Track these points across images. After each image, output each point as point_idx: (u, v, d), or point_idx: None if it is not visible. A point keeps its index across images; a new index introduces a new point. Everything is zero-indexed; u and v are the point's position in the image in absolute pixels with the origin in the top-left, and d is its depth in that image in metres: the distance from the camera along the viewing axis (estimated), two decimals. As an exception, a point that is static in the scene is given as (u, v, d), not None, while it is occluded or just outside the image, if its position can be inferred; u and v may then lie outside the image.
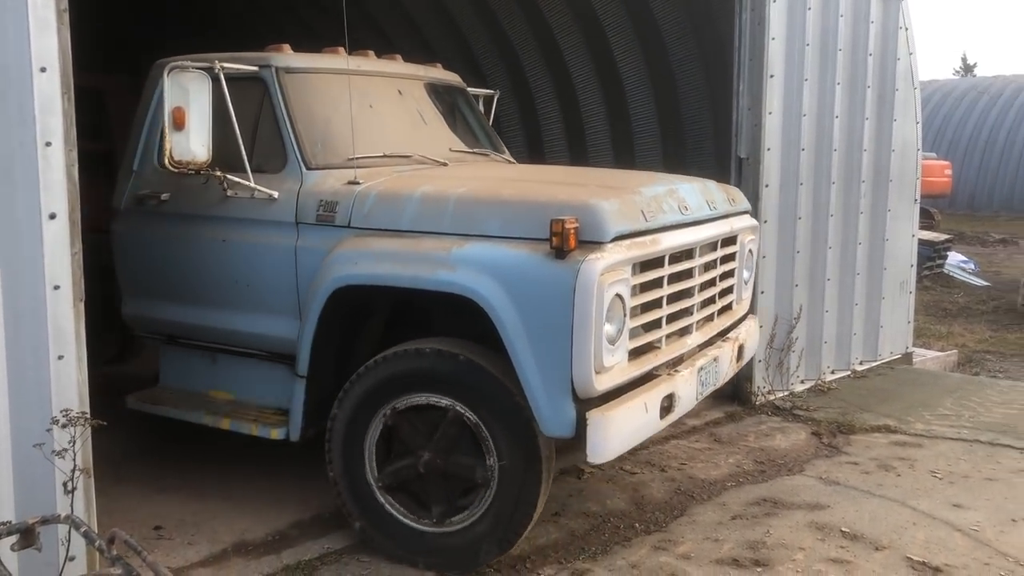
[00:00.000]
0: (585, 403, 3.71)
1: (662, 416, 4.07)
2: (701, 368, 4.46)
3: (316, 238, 4.39)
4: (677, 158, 8.72)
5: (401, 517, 4.15)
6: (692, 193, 4.64)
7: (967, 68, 48.18)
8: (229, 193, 4.57)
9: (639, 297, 3.97)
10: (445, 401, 3.99)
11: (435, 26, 10.19)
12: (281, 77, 4.71)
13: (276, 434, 4.53)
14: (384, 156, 4.77)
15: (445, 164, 5.02)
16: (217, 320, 4.80)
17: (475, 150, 5.52)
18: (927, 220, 16.97)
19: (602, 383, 3.75)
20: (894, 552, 4.35)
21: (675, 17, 8.44)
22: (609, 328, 3.74)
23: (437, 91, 5.62)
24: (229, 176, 4.49)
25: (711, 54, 8.17)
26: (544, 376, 3.71)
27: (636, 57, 8.96)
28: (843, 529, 4.59)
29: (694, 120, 8.73)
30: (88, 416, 3.48)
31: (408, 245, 4.09)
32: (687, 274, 4.40)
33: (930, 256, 14.70)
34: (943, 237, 15.92)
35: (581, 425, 3.69)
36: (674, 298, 4.30)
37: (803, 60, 6.94)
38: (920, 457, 5.72)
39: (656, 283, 4.11)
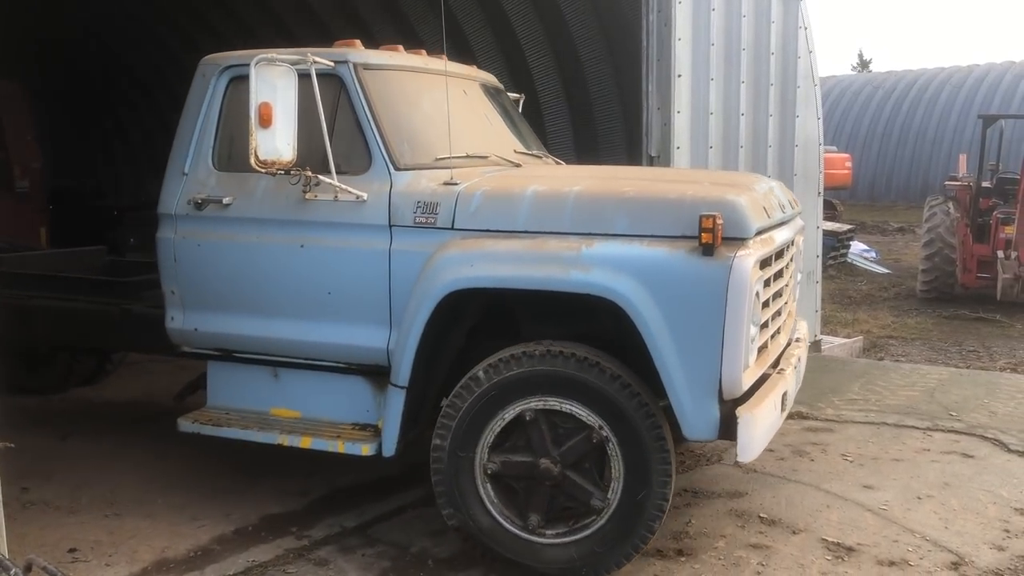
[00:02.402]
0: (725, 404, 3.66)
1: (781, 413, 4.09)
2: (795, 367, 4.48)
3: (414, 241, 4.18)
4: (591, 157, 8.84)
5: (507, 524, 3.97)
6: (781, 193, 4.68)
7: (863, 64, 49.94)
8: (308, 196, 4.29)
9: (764, 294, 3.94)
10: (569, 407, 3.83)
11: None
12: (360, 74, 4.43)
13: (367, 450, 4.24)
14: (467, 156, 4.56)
15: (519, 165, 4.84)
16: (291, 331, 4.48)
17: (532, 152, 5.32)
18: (830, 211, 17.57)
19: (746, 382, 3.71)
20: (810, 535, 4.51)
21: (584, 18, 8.56)
22: (752, 326, 3.70)
23: (490, 92, 5.44)
24: (321, 177, 4.20)
25: (620, 55, 8.31)
26: (689, 377, 3.63)
27: (547, 57, 9.05)
28: (761, 515, 4.73)
29: (605, 119, 8.88)
30: (-5, 440, 3.34)
31: (530, 245, 3.93)
32: (780, 273, 4.38)
33: (834, 246, 15.25)
34: (846, 227, 16.53)
35: (724, 426, 3.65)
36: (775, 297, 4.28)
37: (709, 60, 7.13)
38: (831, 441, 5.94)
39: (767, 281, 4.04)
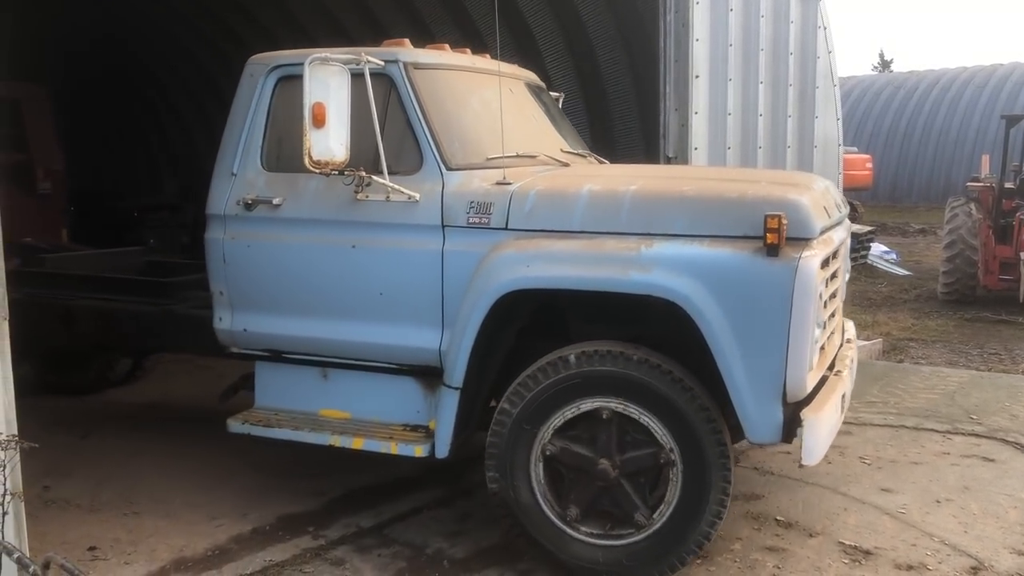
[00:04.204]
0: (787, 407, 3.64)
1: (840, 415, 4.08)
2: (850, 369, 4.46)
3: (467, 241, 4.16)
4: (608, 158, 8.81)
5: (545, 507, 3.98)
6: (834, 192, 4.67)
7: (884, 64, 49.59)
8: (359, 196, 4.28)
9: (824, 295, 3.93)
10: (648, 420, 3.81)
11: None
12: (410, 73, 4.40)
13: (420, 451, 4.21)
14: (517, 156, 4.51)
15: (567, 164, 4.82)
16: (342, 332, 4.46)
17: (577, 151, 5.27)
18: (851, 212, 17.39)
19: (809, 384, 3.69)
20: (827, 537, 4.48)
21: (601, 19, 8.55)
22: (816, 327, 3.68)
23: (534, 91, 5.42)
24: (375, 178, 4.18)
25: (638, 56, 8.30)
26: (753, 380, 3.61)
27: (564, 59, 9.05)
28: (778, 518, 4.71)
29: (623, 120, 8.86)
30: (17, 438, 3.38)
31: (588, 246, 3.91)
32: (835, 273, 4.34)
33: (854, 247, 15.09)
34: (866, 229, 16.37)
35: (786, 429, 3.64)
36: (831, 297, 4.24)
37: (727, 60, 7.11)
38: (850, 444, 5.90)
39: (824, 282, 4.02)
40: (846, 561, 4.24)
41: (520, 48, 9.23)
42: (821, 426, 3.66)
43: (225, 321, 4.79)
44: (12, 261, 6.60)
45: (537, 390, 3.94)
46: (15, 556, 2.75)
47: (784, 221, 3.59)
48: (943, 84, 30.12)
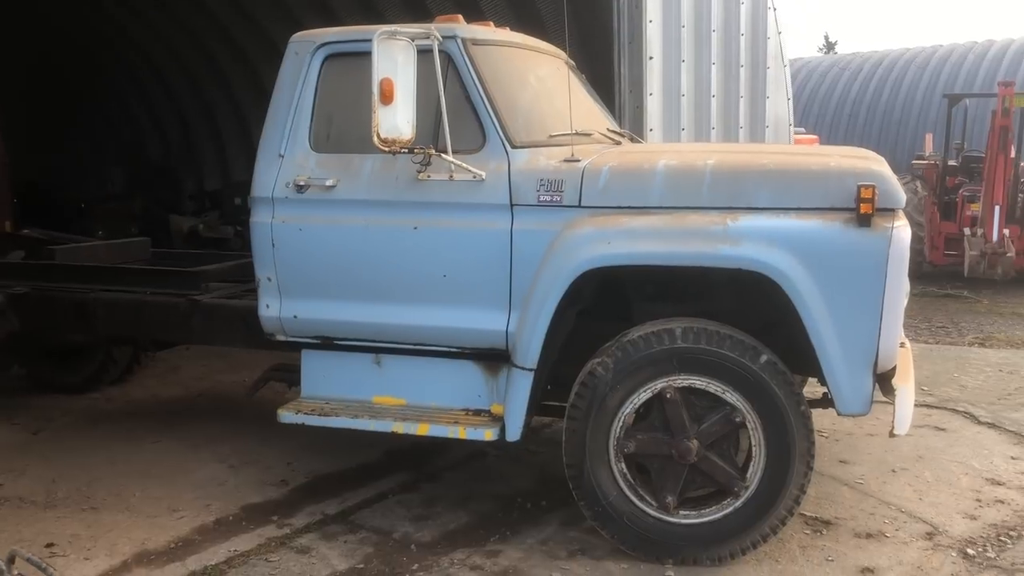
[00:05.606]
0: (876, 377, 3.69)
1: None
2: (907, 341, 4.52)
3: (537, 220, 4.06)
4: (563, 141, 8.82)
5: (636, 500, 3.94)
6: None
7: (829, 46, 50.19)
8: (421, 176, 4.16)
9: None
10: (714, 386, 3.80)
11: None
12: (469, 49, 4.28)
13: (490, 435, 4.09)
14: (576, 133, 4.35)
15: (619, 143, 4.72)
16: (402, 316, 4.30)
17: (618, 130, 5.12)
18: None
19: (898, 353, 3.72)
20: (788, 510, 4.56)
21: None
22: (905, 297, 3.70)
23: (572, 69, 5.27)
24: (444, 156, 4.03)
25: (591, 37, 8.29)
26: (846, 351, 3.63)
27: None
28: (740, 492, 4.77)
29: (577, 103, 8.85)
30: (-30, 434, 3.30)
31: (670, 221, 3.84)
32: None
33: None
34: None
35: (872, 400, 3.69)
36: None
37: (680, 42, 7.15)
38: (806, 418, 6.00)
39: None
40: (807, 532, 4.32)
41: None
42: (910, 395, 3.76)
43: (273, 308, 4.59)
44: (16, 254, 6.45)
45: (640, 356, 3.84)
46: (-25, 553, 2.68)
47: (876, 191, 3.62)
48: (886, 65, 30.59)
